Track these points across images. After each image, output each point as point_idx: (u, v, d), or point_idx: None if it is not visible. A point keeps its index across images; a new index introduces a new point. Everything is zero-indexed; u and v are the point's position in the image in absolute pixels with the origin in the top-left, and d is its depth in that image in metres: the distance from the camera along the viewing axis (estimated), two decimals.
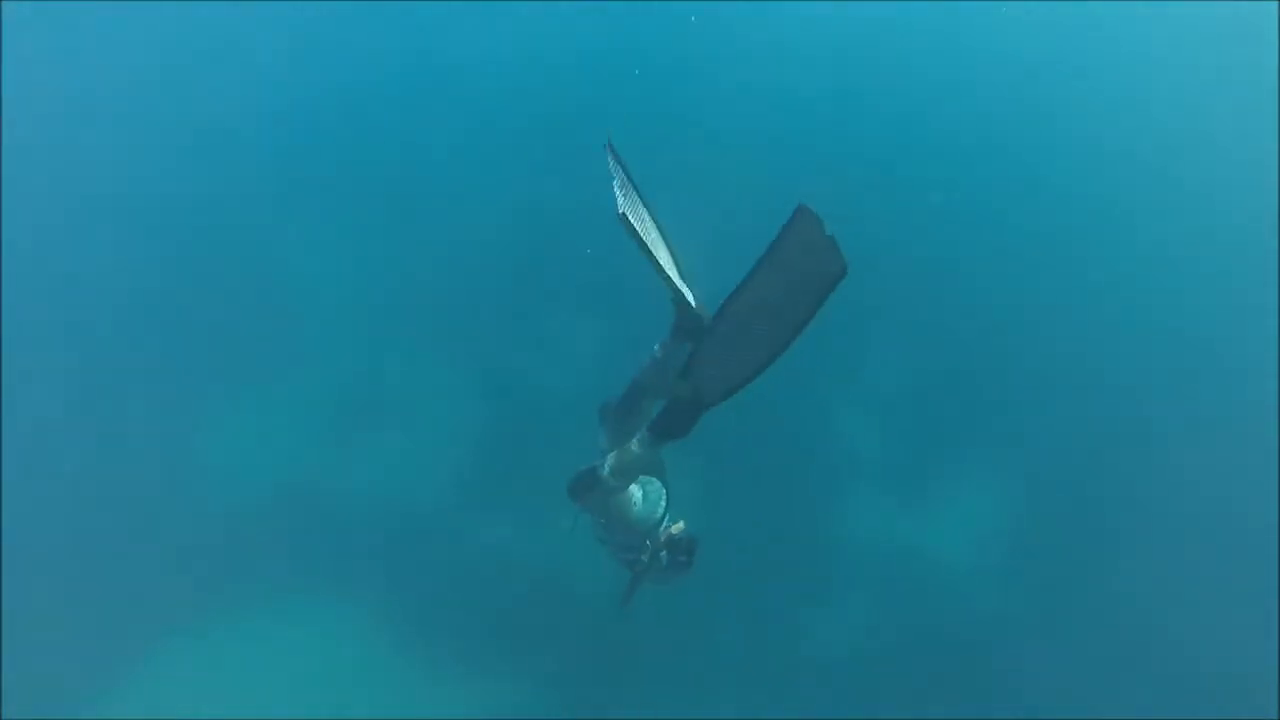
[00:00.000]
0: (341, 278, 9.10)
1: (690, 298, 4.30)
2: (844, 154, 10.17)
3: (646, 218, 4.29)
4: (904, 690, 7.09)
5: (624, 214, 3.90)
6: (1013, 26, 12.11)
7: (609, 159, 4.26)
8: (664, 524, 5.04)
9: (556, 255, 9.10)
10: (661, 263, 4.18)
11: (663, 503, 5.03)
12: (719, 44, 11.35)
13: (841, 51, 11.42)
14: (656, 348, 4.59)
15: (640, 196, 4.31)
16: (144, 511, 7.58)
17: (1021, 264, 9.71)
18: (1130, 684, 7.33)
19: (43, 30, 10.14)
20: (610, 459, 4.59)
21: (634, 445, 4.46)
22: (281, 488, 7.83)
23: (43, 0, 10.02)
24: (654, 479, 5.08)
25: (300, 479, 7.89)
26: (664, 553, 5.04)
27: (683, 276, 4.36)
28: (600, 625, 6.72)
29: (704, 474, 7.46)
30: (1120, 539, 8.07)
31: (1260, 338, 9.34)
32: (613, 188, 4.04)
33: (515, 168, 10.01)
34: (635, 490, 4.91)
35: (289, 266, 9.16)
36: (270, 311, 8.80)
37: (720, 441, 7.16)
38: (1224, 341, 9.34)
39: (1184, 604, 7.70)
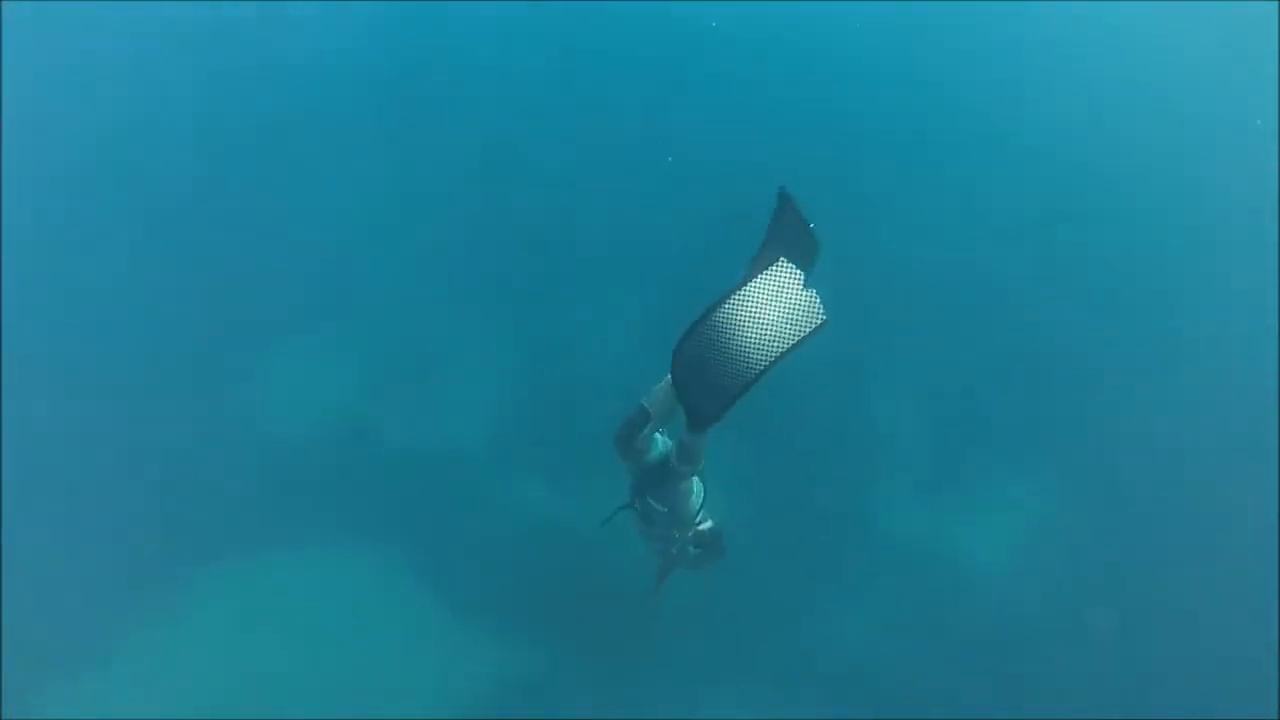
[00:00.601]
0: (391, 229, 9.23)
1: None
2: (888, 152, 10.29)
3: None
4: (920, 686, 7.13)
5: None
6: (1013, 27, 12.10)
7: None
8: (698, 519, 5.29)
9: (607, 218, 9.28)
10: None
11: (702, 497, 5.26)
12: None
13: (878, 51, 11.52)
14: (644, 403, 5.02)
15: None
16: (182, 452, 7.75)
17: (1065, 269, 9.79)
18: (1130, 684, 7.35)
19: (43, 30, 10.14)
20: (672, 448, 4.91)
21: (685, 434, 4.63)
22: (320, 433, 8.00)
23: (43, 0, 10.01)
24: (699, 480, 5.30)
25: (339, 426, 8.07)
26: (691, 546, 5.35)
27: None
28: (626, 598, 6.82)
29: (735, 454, 7.55)
30: (1144, 547, 8.06)
31: (1261, 338, 9.35)
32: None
33: (570, 126, 10.16)
34: (696, 482, 5.12)
35: (338, 216, 9.31)
36: (316, 260, 8.96)
37: (753, 423, 7.25)
38: (1226, 342, 9.35)
39: (1184, 604, 7.70)
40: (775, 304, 4.02)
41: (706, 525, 5.33)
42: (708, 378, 3.86)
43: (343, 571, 7.31)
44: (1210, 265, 9.84)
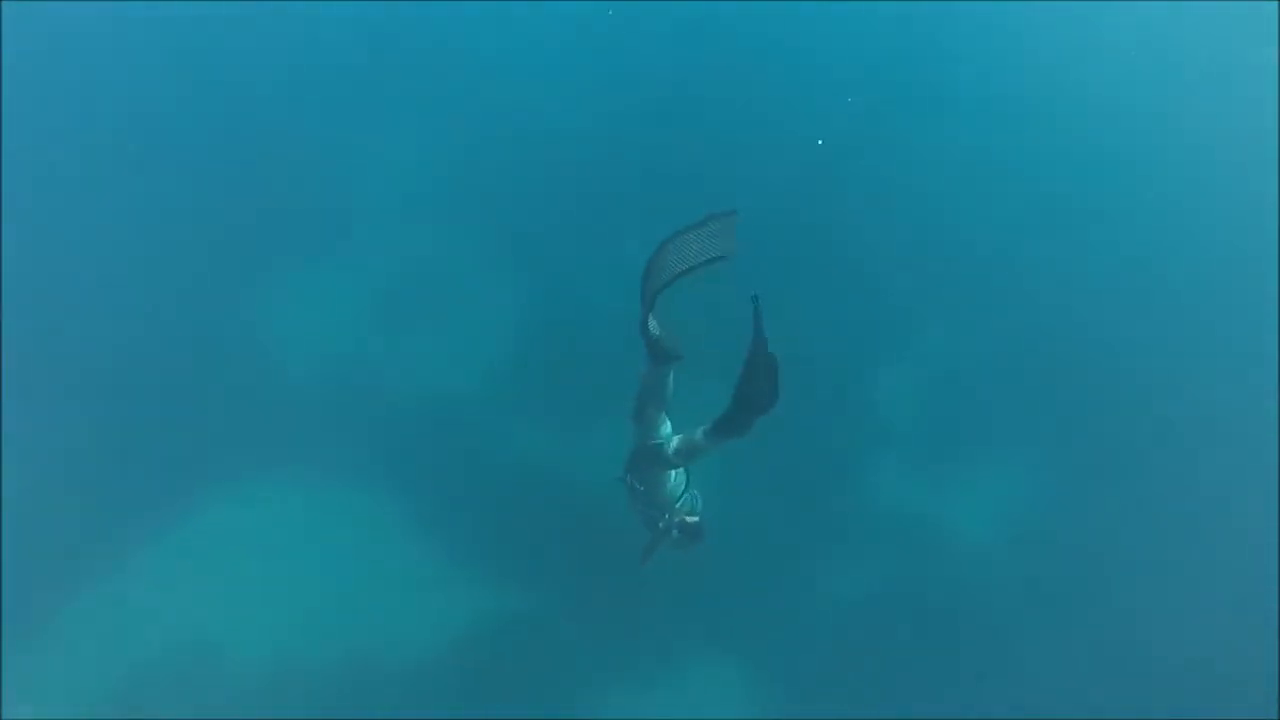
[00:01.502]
0: (399, 168, 9.30)
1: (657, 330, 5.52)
2: (897, 143, 10.33)
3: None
4: (908, 661, 7.21)
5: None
6: (1014, 26, 12.12)
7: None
8: (681, 503, 5.95)
9: (614, 166, 9.35)
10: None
11: (682, 487, 5.92)
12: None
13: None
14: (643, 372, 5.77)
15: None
16: (183, 384, 7.82)
17: (1065, 256, 9.86)
18: (1130, 683, 7.35)
19: (43, 30, 10.13)
20: (676, 441, 5.56)
21: (699, 436, 5.36)
22: (321, 367, 8.09)
23: (43, 0, 10.00)
24: (684, 473, 5.99)
25: (340, 361, 8.14)
26: (675, 531, 5.96)
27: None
28: (619, 546, 6.89)
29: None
30: (1136, 539, 8.12)
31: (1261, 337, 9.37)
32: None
33: (584, 75, 10.21)
34: (678, 474, 5.83)
35: (345, 155, 9.38)
36: (321, 195, 9.03)
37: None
38: (1228, 341, 9.37)
39: (1184, 603, 7.72)
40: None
41: (693, 519, 6.00)
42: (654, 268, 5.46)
43: (339, 505, 7.39)
44: (1207, 251, 9.91)
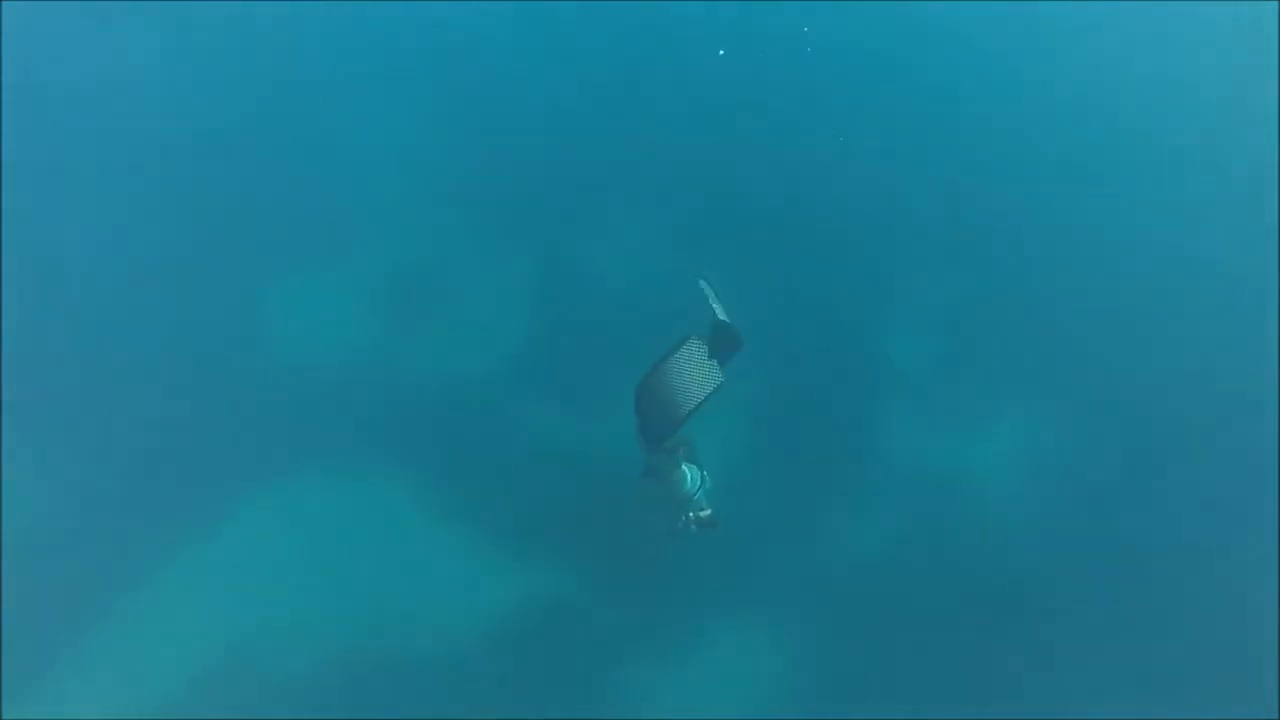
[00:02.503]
0: (406, 155, 9.32)
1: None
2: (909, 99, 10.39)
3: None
4: (919, 616, 7.26)
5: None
6: (1014, 26, 12.12)
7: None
8: (697, 496, 6.58)
9: (622, 144, 9.37)
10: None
11: (698, 483, 6.59)
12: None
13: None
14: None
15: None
16: (198, 386, 7.85)
17: (1074, 210, 9.90)
18: (1130, 683, 7.37)
19: (43, 30, 10.10)
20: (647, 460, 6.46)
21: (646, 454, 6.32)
22: (336, 357, 8.12)
23: (43, 0, 9.98)
24: (695, 466, 6.60)
25: (355, 350, 8.17)
26: (693, 526, 6.61)
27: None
28: (638, 522, 6.97)
29: (749, 376, 7.67)
30: (1138, 536, 8.16)
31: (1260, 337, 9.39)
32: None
33: (584, 54, 10.23)
34: (687, 472, 6.52)
35: (353, 142, 9.40)
36: (332, 185, 9.05)
37: (762, 353, 7.37)
38: (1227, 341, 9.38)
39: (1184, 603, 7.73)
40: (691, 370, 6.04)
41: (706, 513, 6.62)
42: (652, 416, 5.94)
43: (363, 501, 7.44)
44: (1214, 201, 9.99)
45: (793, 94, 10.03)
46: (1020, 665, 7.43)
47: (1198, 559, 7.98)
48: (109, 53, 9.94)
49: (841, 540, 7.59)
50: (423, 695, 6.72)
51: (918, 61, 10.70)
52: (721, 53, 10.12)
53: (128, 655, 6.73)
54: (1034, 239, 9.56)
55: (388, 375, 8.11)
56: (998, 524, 7.97)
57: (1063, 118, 10.54)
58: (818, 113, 9.92)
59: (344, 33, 10.37)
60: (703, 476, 6.77)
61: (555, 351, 8.28)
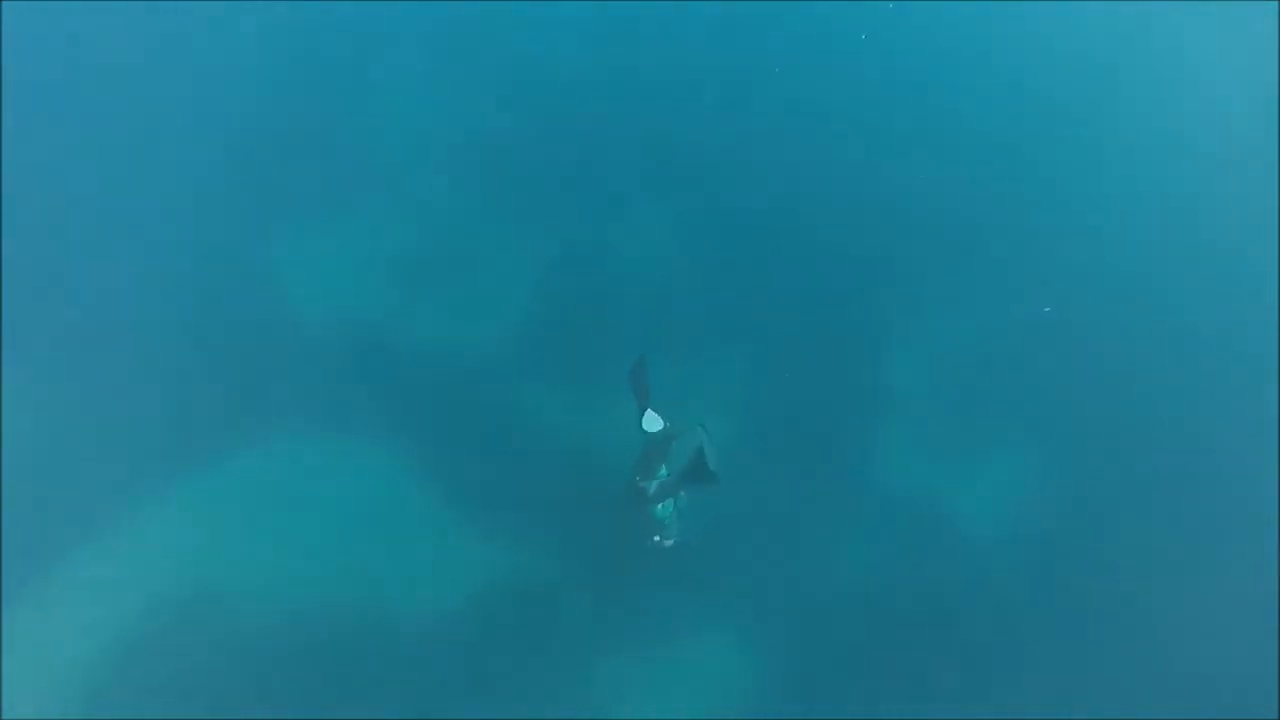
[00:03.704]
0: (424, 129, 9.33)
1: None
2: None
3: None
4: (909, 643, 7.28)
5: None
6: (1017, 26, 12.13)
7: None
8: (667, 522, 6.98)
9: (640, 132, 9.38)
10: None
11: (669, 512, 6.92)
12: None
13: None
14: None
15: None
16: (201, 339, 7.88)
17: (1076, 247, 9.92)
18: (1130, 684, 7.37)
19: (43, 30, 10.09)
20: (654, 486, 6.78)
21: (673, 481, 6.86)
22: (339, 324, 8.14)
23: (43, 0, 9.97)
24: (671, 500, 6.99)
25: (358, 319, 8.19)
26: (662, 544, 7.02)
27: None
28: (629, 513, 7.00)
29: (749, 391, 7.71)
30: (1140, 534, 8.16)
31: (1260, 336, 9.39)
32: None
33: (607, 38, 10.25)
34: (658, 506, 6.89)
35: (371, 112, 9.41)
36: (349, 153, 9.06)
37: (770, 366, 7.38)
38: (1227, 341, 9.39)
39: (1184, 604, 7.73)
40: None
41: (669, 542, 6.99)
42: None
43: (353, 463, 7.47)
44: (1211, 251, 9.97)
45: (810, 106, 10.01)
46: (1018, 666, 7.42)
47: (1198, 559, 7.97)
48: (131, 9, 9.88)
49: (823, 560, 7.60)
50: (385, 659, 6.73)
51: (928, 77, 10.70)
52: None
53: (99, 590, 6.74)
54: (1037, 268, 9.55)
55: (388, 343, 8.14)
56: (997, 523, 7.98)
57: (1071, 157, 10.46)
58: (836, 125, 9.93)
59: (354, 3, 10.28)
60: (675, 503, 6.95)
61: (558, 336, 8.30)
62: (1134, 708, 7.22)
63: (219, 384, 7.79)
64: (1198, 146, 11.04)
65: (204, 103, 9.39)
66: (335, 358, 8.03)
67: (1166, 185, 10.66)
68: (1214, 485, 8.36)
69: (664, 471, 6.62)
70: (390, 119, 9.50)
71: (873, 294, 9.07)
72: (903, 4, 11.33)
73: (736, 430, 7.60)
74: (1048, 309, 9.32)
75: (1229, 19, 12.06)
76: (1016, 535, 8.07)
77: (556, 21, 10.43)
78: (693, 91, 9.99)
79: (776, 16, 10.85)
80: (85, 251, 8.35)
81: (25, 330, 7.79)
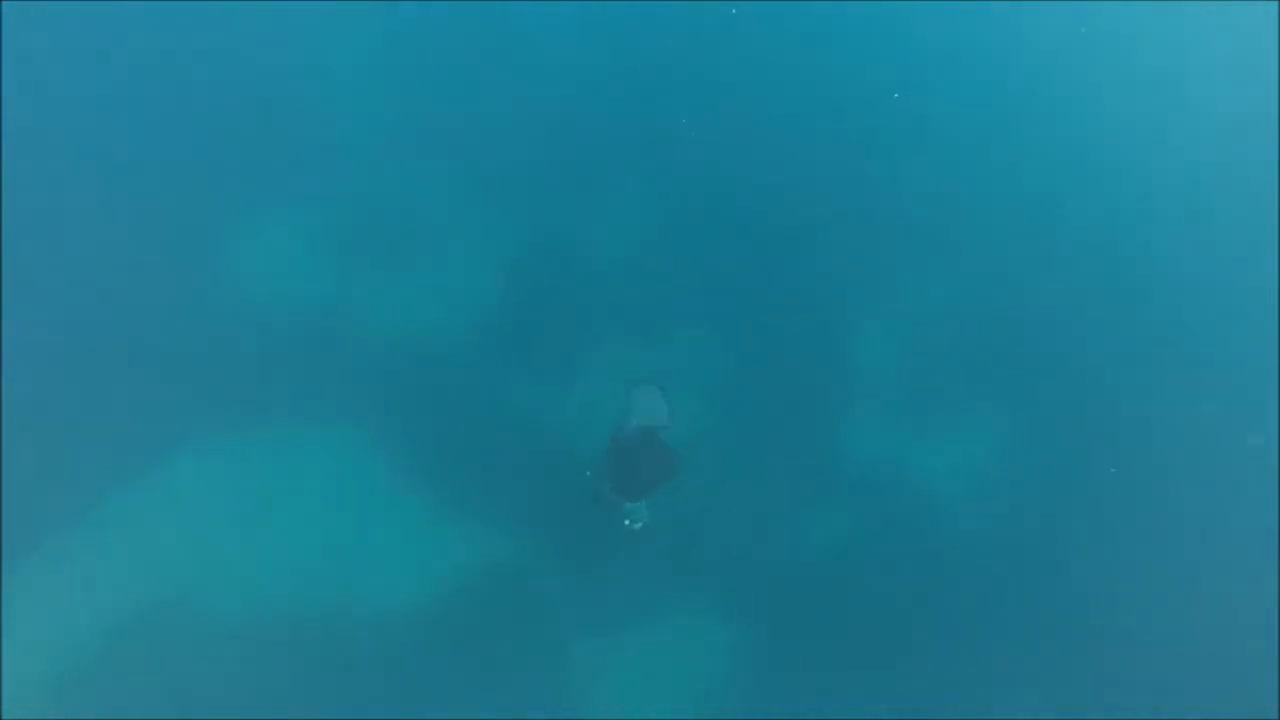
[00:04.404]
0: (390, 102, 9.23)
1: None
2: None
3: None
4: (876, 602, 7.27)
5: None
6: (1019, 26, 12.14)
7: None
8: (636, 508, 7.31)
9: (614, 115, 9.33)
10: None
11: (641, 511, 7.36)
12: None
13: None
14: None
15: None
16: (166, 318, 7.78)
17: (1045, 213, 9.90)
18: (1130, 684, 7.28)
19: (43, 30, 10.15)
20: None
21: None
22: (309, 310, 8.06)
23: (43, 0, 10.03)
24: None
25: (330, 305, 8.11)
26: (633, 527, 7.29)
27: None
28: (597, 496, 7.00)
29: (717, 364, 7.70)
30: (1115, 527, 8.11)
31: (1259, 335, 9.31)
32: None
33: (583, 16, 10.18)
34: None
35: (332, 85, 9.29)
36: (308, 128, 8.95)
37: (736, 339, 7.35)
38: (1224, 337, 9.31)
39: (1184, 604, 7.65)
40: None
41: (639, 525, 7.23)
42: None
43: (321, 452, 7.40)
44: (1195, 224, 9.92)
45: (794, 93, 10.03)
46: (1013, 664, 7.34)
47: (1198, 559, 7.89)
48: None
49: (794, 533, 7.62)
50: (361, 650, 6.68)
51: (914, 62, 10.71)
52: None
53: (73, 589, 6.68)
54: (1015, 244, 9.55)
55: (354, 326, 8.09)
56: (961, 539, 7.92)
57: (1058, 121, 10.54)
58: (819, 111, 9.92)
59: None
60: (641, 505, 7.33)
61: (529, 319, 8.28)
62: (1135, 708, 7.14)
63: (173, 377, 7.75)
64: (1195, 146, 11.01)
65: (145, 88, 9.24)
66: (302, 347, 8.01)
67: (1146, 163, 10.67)
68: (1213, 485, 8.30)
69: (630, 423, 6.64)
70: (356, 102, 9.45)
71: (841, 269, 9.08)
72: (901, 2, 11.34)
73: (705, 408, 7.63)
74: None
75: (1229, 19, 12.03)
76: (986, 506, 8.07)
77: (526, 3, 10.40)
78: (665, 73, 10.00)
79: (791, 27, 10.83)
80: (36, 245, 8.30)
81: None
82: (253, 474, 7.40)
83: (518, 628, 7.05)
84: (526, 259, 8.69)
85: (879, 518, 7.75)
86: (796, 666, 7.07)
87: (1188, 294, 9.46)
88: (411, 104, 9.42)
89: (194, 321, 8.01)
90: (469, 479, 7.57)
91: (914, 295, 9.00)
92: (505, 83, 9.70)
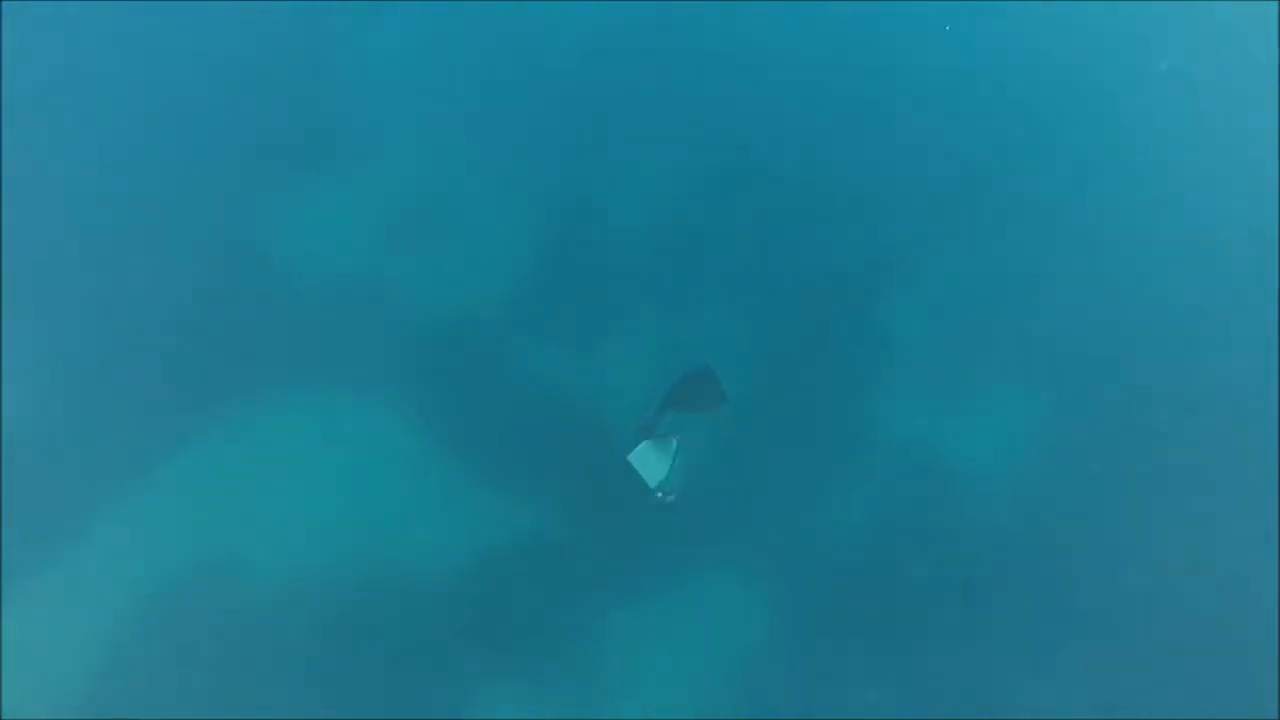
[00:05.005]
0: (424, 83, 9.27)
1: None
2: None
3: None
4: (903, 579, 7.37)
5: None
6: (1022, 24, 12.13)
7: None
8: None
9: (640, 87, 9.37)
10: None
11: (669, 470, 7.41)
12: None
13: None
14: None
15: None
16: (199, 298, 7.87)
17: (1076, 192, 9.95)
18: (1131, 683, 7.39)
19: (43, 30, 10.05)
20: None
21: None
22: (341, 282, 8.15)
23: (43, 0, 9.93)
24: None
25: (362, 277, 8.20)
26: (664, 500, 7.37)
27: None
28: (631, 473, 7.09)
29: (751, 343, 7.79)
30: (1132, 516, 8.20)
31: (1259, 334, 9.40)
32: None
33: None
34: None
35: (369, 66, 9.32)
36: (345, 106, 9.00)
37: (769, 318, 7.43)
38: (1225, 335, 9.40)
39: (1184, 604, 7.75)
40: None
41: (671, 498, 7.31)
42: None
43: (354, 423, 7.52)
44: (1212, 208, 10.01)
45: (824, 69, 10.00)
46: (1011, 662, 7.44)
47: (1198, 559, 8.00)
48: None
49: (824, 509, 7.71)
50: (397, 617, 6.79)
51: (934, 46, 10.70)
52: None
53: (110, 558, 6.77)
54: (1040, 224, 9.64)
55: (387, 302, 8.17)
56: (991, 519, 8.02)
57: (1072, 112, 10.58)
58: (852, 83, 9.91)
59: None
60: (675, 460, 7.30)
61: (562, 293, 8.36)
62: (1135, 708, 7.27)
63: (213, 348, 7.82)
64: (1196, 142, 11.07)
65: (188, 61, 9.22)
66: (334, 318, 8.08)
67: (1165, 153, 10.74)
68: (1214, 484, 8.40)
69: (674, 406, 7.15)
70: (389, 73, 9.45)
71: (873, 243, 9.15)
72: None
73: (734, 382, 7.73)
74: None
75: (1229, 19, 12.06)
76: (1018, 481, 8.15)
77: None
78: (692, 42, 10.00)
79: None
80: (74, 223, 8.34)
81: (16, 307, 7.78)
82: (285, 445, 7.49)
83: (550, 597, 7.15)
84: (558, 232, 8.75)
85: (910, 492, 7.82)
86: (826, 640, 7.16)
87: (1229, 266, 9.49)
88: (444, 81, 9.43)
89: (230, 294, 8.07)
90: (501, 450, 7.66)
91: (948, 270, 9.04)
92: (535, 60, 9.70)
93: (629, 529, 7.30)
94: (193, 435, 7.17)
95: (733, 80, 9.39)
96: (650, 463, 6.94)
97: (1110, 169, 10.10)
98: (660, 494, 6.94)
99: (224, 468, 7.09)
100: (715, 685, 6.93)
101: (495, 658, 6.68)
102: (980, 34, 10.90)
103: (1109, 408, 8.27)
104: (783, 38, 9.99)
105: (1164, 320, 8.87)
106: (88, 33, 9.11)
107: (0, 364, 7.19)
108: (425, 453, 7.22)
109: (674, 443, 7.04)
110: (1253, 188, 10.44)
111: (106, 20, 9.21)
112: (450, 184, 8.42)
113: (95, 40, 9.09)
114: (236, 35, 9.12)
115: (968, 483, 7.75)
